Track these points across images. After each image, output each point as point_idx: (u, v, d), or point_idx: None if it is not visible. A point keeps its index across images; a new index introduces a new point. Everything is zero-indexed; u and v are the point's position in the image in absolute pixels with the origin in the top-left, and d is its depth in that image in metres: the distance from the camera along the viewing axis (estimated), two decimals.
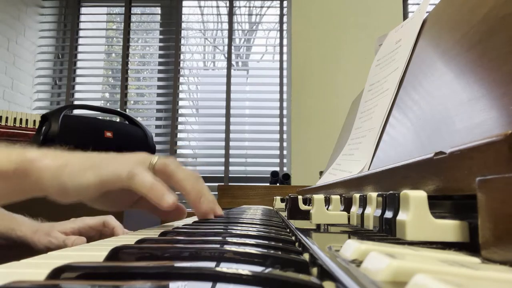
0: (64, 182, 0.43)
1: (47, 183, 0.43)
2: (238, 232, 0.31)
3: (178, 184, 0.47)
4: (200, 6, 2.60)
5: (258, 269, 0.18)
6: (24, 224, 0.70)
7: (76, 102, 2.38)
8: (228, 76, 2.33)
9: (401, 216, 0.21)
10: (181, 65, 2.40)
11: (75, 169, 0.43)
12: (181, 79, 2.38)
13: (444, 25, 0.42)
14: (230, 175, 2.23)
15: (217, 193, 1.62)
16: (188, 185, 0.47)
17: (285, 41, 2.35)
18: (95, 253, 0.27)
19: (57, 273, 0.16)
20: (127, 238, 0.41)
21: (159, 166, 0.47)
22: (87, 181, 0.43)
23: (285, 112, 2.26)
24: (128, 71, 2.42)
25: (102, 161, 0.45)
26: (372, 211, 0.27)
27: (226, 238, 0.26)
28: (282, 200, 0.97)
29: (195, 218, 0.63)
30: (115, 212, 0.74)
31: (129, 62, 2.44)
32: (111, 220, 0.72)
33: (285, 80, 2.29)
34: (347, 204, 0.38)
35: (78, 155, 0.45)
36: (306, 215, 0.45)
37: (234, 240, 0.25)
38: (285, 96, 2.28)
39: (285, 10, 2.39)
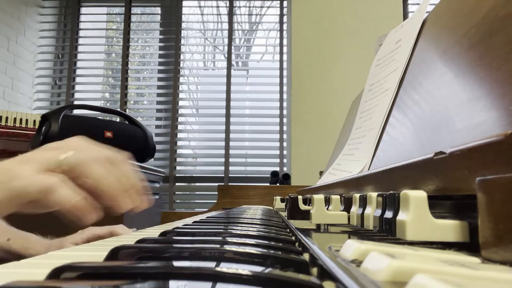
0: None
1: None
2: (238, 232, 0.31)
3: (95, 188, 0.37)
4: (200, 6, 2.59)
5: (258, 269, 0.18)
6: (37, 243, 0.71)
7: (76, 102, 2.38)
8: (228, 76, 2.33)
9: (401, 216, 0.21)
10: (181, 65, 2.40)
11: None
12: (181, 79, 2.38)
13: (444, 25, 0.42)
14: (230, 175, 2.23)
15: (217, 193, 1.62)
16: (104, 184, 0.38)
17: (285, 41, 2.35)
18: (95, 253, 0.27)
19: (57, 273, 0.16)
20: (127, 238, 0.41)
21: (73, 164, 0.37)
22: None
23: (285, 112, 2.26)
24: (128, 71, 2.42)
25: (10, 173, 0.36)
26: (372, 211, 0.27)
27: (226, 238, 0.26)
28: (282, 200, 0.96)
29: (195, 218, 0.63)
30: (113, 216, 0.74)
31: (129, 62, 2.44)
32: (118, 229, 0.73)
33: (285, 80, 2.29)
34: (347, 204, 0.38)
35: None
36: (306, 215, 0.45)
37: (234, 240, 0.25)
38: (285, 96, 2.28)
39: (285, 10, 2.39)
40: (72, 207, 0.35)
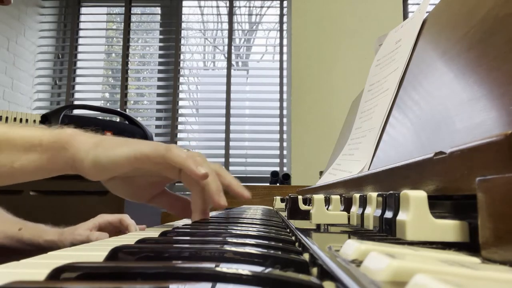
0: (98, 155, 0.45)
1: (82, 156, 0.45)
2: (238, 232, 0.31)
3: (183, 166, 0.47)
4: (200, 6, 2.59)
5: (258, 269, 0.18)
6: (49, 230, 0.74)
7: (76, 102, 2.38)
8: (228, 76, 2.32)
9: (401, 216, 0.21)
10: (181, 65, 2.40)
11: (110, 144, 0.46)
12: (181, 79, 2.38)
13: (444, 25, 0.42)
14: None
15: None
16: (210, 177, 0.48)
17: (285, 41, 2.35)
18: (95, 253, 0.27)
19: (57, 273, 0.16)
20: (127, 238, 0.41)
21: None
22: (122, 153, 0.45)
23: (285, 112, 2.26)
24: (128, 71, 2.42)
25: (136, 142, 0.48)
26: (372, 211, 0.27)
27: (226, 238, 0.26)
28: (282, 200, 0.96)
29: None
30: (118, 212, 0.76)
31: (129, 62, 2.44)
32: (126, 218, 0.76)
33: (285, 80, 2.29)
34: (347, 204, 0.38)
35: (110, 136, 0.49)
36: (306, 215, 0.45)
37: (234, 240, 0.25)
38: (285, 96, 2.28)
39: (285, 10, 2.39)
40: (186, 159, 0.45)
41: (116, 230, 0.76)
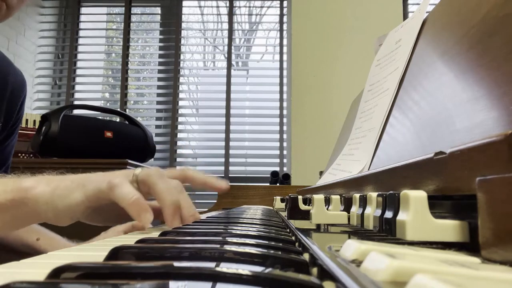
0: (56, 204, 0.45)
1: (43, 209, 0.45)
2: (238, 232, 0.31)
3: (157, 196, 0.46)
4: (200, 6, 2.59)
5: (258, 269, 0.18)
6: (67, 246, 0.73)
7: (76, 102, 2.38)
8: (228, 76, 2.32)
9: (401, 216, 0.21)
10: (181, 65, 2.40)
11: (65, 190, 0.45)
12: (181, 79, 2.38)
13: (444, 25, 0.42)
14: (230, 175, 2.23)
15: (217, 192, 1.62)
16: (167, 198, 0.45)
17: (285, 41, 2.35)
18: (95, 253, 0.27)
19: (57, 273, 0.16)
20: (127, 238, 0.41)
21: (142, 177, 0.47)
22: (75, 200, 0.45)
23: (285, 112, 2.26)
24: (128, 71, 2.42)
25: (88, 179, 0.46)
26: (372, 211, 0.27)
27: (226, 238, 0.26)
28: (282, 200, 0.96)
29: None
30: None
31: (129, 62, 2.44)
32: (138, 223, 0.75)
33: (285, 80, 2.29)
34: (347, 204, 0.38)
35: (67, 178, 0.47)
36: (306, 215, 0.45)
37: (234, 240, 0.25)
38: (285, 96, 2.27)
39: (285, 10, 2.39)
40: (129, 203, 0.43)
41: None
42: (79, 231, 0.72)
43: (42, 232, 0.74)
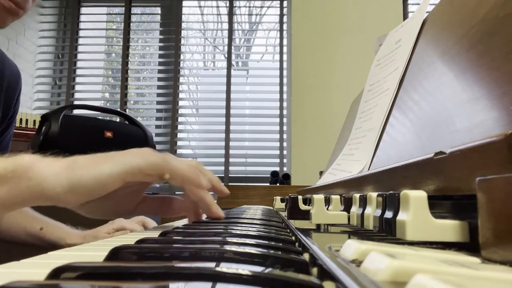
0: (78, 177, 0.39)
1: (53, 183, 0.38)
2: (238, 232, 0.31)
3: (177, 175, 0.44)
4: (200, 6, 2.59)
5: (258, 269, 0.18)
6: (73, 233, 0.73)
7: (76, 102, 2.38)
8: (228, 76, 2.32)
9: (401, 216, 0.21)
10: (181, 65, 2.40)
11: (88, 163, 0.40)
12: (181, 79, 2.38)
13: (444, 25, 0.42)
14: (230, 175, 2.23)
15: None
16: (186, 173, 0.44)
17: (285, 41, 2.35)
18: (95, 253, 0.27)
19: (57, 273, 0.16)
20: (127, 238, 0.41)
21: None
22: (109, 170, 0.39)
23: (285, 112, 2.26)
24: (128, 71, 2.42)
25: (119, 155, 0.41)
26: (372, 211, 0.27)
27: (226, 238, 0.26)
28: (282, 200, 0.96)
29: None
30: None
31: (129, 62, 2.44)
32: (146, 219, 0.76)
33: (285, 80, 2.29)
34: (347, 204, 0.38)
35: (81, 156, 0.41)
36: (306, 215, 0.45)
37: (234, 240, 0.25)
38: (285, 96, 2.27)
39: (285, 10, 2.39)
40: (188, 171, 0.43)
41: None
42: (83, 218, 0.71)
43: (45, 221, 0.74)
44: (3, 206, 0.39)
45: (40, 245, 0.72)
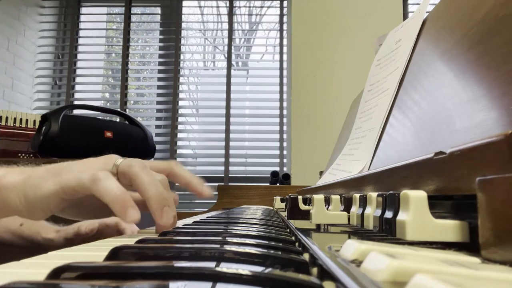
0: (27, 194, 0.41)
1: (14, 199, 0.41)
2: (238, 232, 0.31)
3: (140, 188, 0.41)
4: (200, 6, 2.59)
5: (258, 269, 0.18)
6: (48, 227, 0.73)
7: (76, 102, 2.38)
8: (228, 76, 2.32)
9: (401, 216, 0.21)
10: (181, 65, 2.40)
11: (37, 180, 0.41)
12: (181, 79, 2.38)
13: (444, 25, 0.42)
14: (230, 175, 2.23)
15: (217, 193, 1.62)
16: (151, 191, 0.41)
17: (285, 41, 2.35)
18: (95, 253, 0.27)
19: (57, 273, 0.16)
20: (127, 238, 0.41)
21: (122, 168, 0.42)
22: (48, 190, 0.40)
23: (285, 112, 2.26)
24: (128, 71, 2.42)
25: (64, 169, 0.42)
26: (372, 211, 0.27)
27: (226, 238, 0.26)
28: (282, 200, 0.96)
29: (195, 218, 0.63)
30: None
31: (129, 62, 2.44)
32: (121, 222, 0.75)
33: (285, 80, 2.29)
34: (347, 204, 0.38)
35: (41, 168, 0.43)
36: (306, 215, 0.45)
37: (234, 240, 0.25)
38: (285, 96, 2.27)
39: (285, 10, 2.39)
40: (114, 198, 0.38)
41: (115, 232, 0.75)
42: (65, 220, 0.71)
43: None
44: None
45: (17, 243, 0.71)
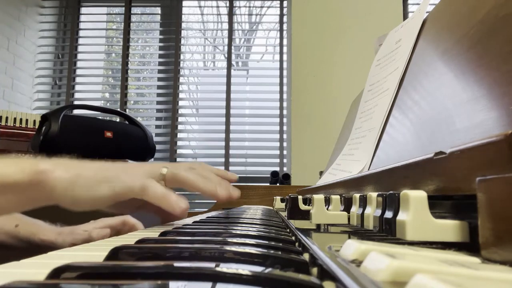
0: (78, 194, 0.45)
1: (60, 194, 0.45)
2: (238, 232, 0.31)
3: (192, 188, 0.50)
4: (200, 6, 2.59)
5: (258, 269, 0.18)
6: (47, 229, 0.72)
7: (76, 102, 2.38)
8: (228, 76, 2.32)
9: (401, 216, 0.21)
10: (181, 65, 2.40)
11: (88, 181, 0.46)
12: (181, 79, 2.38)
13: (444, 25, 0.42)
14: None
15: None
16: (201, 185, 0.49)
17: (285, 41, 2.35)
18: (95, 253, 0.27)
19: (57, 273, 0.16)
20: (127, 238, 0.41)
21: (169, 177, 0.50)
22: (101, 194, 0.45)
23: (285, 112, 2.25)
24: (128, 71, 2.42)
25: (114, 174, 0.47)
26: (372, 211, 0.27)
27: (226, 238, 0.26)
28: (282, 200, 0.96)
29: (195, 218, 0.63)
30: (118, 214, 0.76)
31: (129, 62, 2.44)
32: (130, 218, 0.75)
33: (285, 80, 2.29)
34: (347, 204, 0.38)
35: (89, 166, 0.48)
36: (306, 215, 0.45)
37: (234, 240, 0.25)
38: (285, 96, 2.27)
39: (285, 10, 2.39)
40: (163, 198, 0.46)
41: (119, 233, 0.74)
42: (63, 215, 0.70)
43: (19, 218, 0.72)
44: (22, 209, 0.46)
45: (13, 244, 0.71)
